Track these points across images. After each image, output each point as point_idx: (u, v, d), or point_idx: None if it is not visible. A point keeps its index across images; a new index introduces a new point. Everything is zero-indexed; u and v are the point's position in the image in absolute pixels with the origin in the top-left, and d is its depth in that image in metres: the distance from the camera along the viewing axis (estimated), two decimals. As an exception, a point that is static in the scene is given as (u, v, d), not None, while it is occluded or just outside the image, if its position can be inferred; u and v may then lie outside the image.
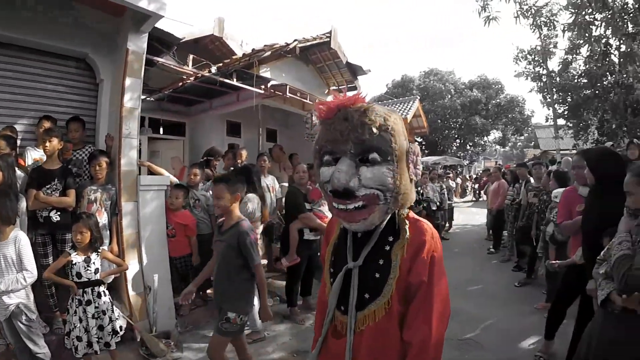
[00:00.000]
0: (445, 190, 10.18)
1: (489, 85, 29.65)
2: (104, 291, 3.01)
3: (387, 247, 1.30)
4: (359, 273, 1.32)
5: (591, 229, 2.68)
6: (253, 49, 7.33)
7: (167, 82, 6.26)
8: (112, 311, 3.01)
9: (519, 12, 6.13)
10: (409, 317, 1.26)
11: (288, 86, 6.39)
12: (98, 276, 2.97)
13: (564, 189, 3.96)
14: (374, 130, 1.23)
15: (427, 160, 16.57)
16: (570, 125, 15.12)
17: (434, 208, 8.39)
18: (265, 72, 7.56)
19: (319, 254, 4.74)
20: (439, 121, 27.83)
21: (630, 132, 13.04)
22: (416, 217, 1.36)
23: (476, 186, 18.60)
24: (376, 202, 1.25)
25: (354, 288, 1.31)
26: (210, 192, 4.12)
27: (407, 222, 1.32)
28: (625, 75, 11.04)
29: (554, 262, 3.33)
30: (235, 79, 6.14)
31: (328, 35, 8.89)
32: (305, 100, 7.14)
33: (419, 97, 20.09)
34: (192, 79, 5.97)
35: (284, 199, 4.96)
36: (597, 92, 12.88)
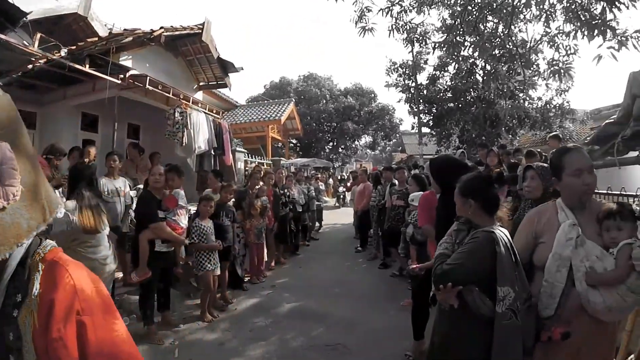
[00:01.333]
0: (313, 191, 10.45)
1: (363, 93, 31.68)
2: None
3: (15, 312, 0.82)
4: None
5: (441, 235, 2.92)
6: (110, 32, 6.61)
7: (16, 64, 5.26)
8: None
9: (394, 27, 6.53)
10: None
11: (149, 77, 5.94)
12: None
13: (421, 192, 4.11)
14: None
15: (297, 162, 16.96)
16: (434, 133, 16.85)
17: (300, 210, 8.58)
18: (126, 60, 6.93)
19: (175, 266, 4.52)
20: (314, 124, 28.76)
21: (489, 141, 15.11)
22: (62, 257, 0.89)
23: (341, 189, 19.63)
24: None
25: None
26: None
27: (39, 268, 0.85)
28: (487, 92, 12.65)
29: (414, 266, 3.39)
30: (87, 65, 5.51)
31: (200, 26, 8.52)
32: (168, 95, 6.71)
33: (294, 100, 20.54)
34: (42, 61, 5.13)
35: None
36: (460, 105, 14.56)
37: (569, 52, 6.14)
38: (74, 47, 5.42)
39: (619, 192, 3.22)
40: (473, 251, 1.88)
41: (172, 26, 7.32)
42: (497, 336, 1.79)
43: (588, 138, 3.30)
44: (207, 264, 4.61)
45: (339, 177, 31.42)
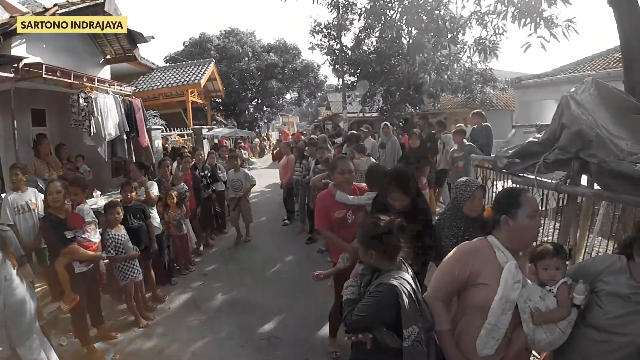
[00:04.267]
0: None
1: (287, 49, 30.91)
2: None
3: None
4: None
5: None
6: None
7: None
8: None
9: None
10: None
11: (44, 65, 5.45)
12: None
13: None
14: None
15: (218, 134, 16.50)
16: (358, 94, 17.08)
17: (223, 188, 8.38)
18: (19, 45, 6.20)
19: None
20: (237, 84, 27.86)
21: (412, 105, 15.58)
22: None
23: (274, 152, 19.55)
24: None
25: None
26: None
27: None
28: (411, 66, 12.76)
29: (317, 272, 3.31)
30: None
31: (101, -2, 7.79)
32: (69, 80, 6.20)
33: (214, 61, 19.65)
34: None
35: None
36: (385, 68, 14.68)
37: (497, 31, 6.36)
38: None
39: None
40: (377, 305, 2.06)
41: (67, 1, 6.64)
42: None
43: (510, 151, 3.40)
44: (130, 273, 4.53)
45: (269, 135, 31.17)
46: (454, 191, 3.07)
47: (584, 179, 2.94)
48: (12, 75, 5.08)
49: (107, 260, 4.42)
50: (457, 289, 2.09)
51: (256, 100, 31.40)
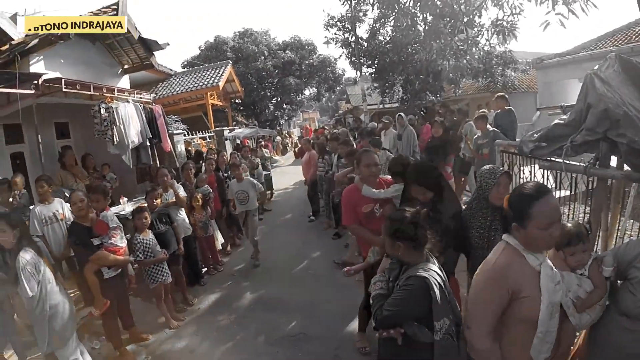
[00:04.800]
0: (259, 164, 10.27)
1: (302, 46, 30.85)
2: None
3: None
4: None
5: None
6: (11, 44, 6.00)
7: None
8: None
9: None
10: None
11: (64, 80, 5.57)
12: None
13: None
14: None
15: (239, 134, 16.61)
16: (377, 85, 16.90)
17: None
18: (37, 62, 6.36)
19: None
20: (255, 83, 28.02)
21: (432, 93, 15.27)
22: None
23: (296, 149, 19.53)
24: None
25: None
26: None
27: None
28: (428, 52, 12.55)
29: (347, 268, 3.29)
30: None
31: (114, 7, 7.92)
32: (89, 92, 6.33)
33: (230, 63, 19.79)
34: None
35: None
36: (402, 57, 14.40)
37: (514, 11, 6.13)
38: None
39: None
40: (408, 298, 2.03)
41: (79, 16, 6.77)
42: (437, 354, 2.00)
43: (535, 135, 3.23)
44: (159, 276, 4.63)
45: (291, 132, 31.29)
46: (479, 179, 2.98)
47: (614, 160, 2.79)
48: (32, 91, 5.20)
49: (137, 265, 4.51)
50: (501, 312, 1.85)
51: (275, 98, 31.49)
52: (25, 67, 5.93)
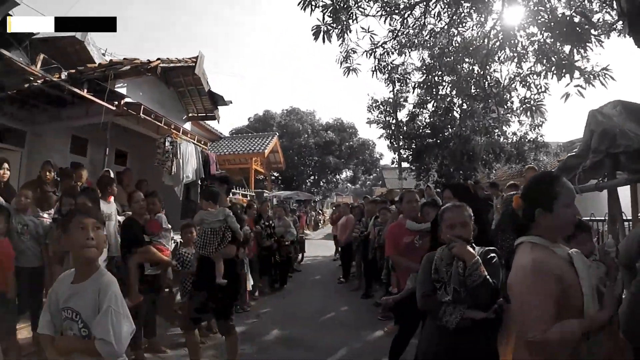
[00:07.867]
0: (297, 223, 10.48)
1: (344, 128, 32.47)
2: None
3: None
4: None
5: None
6: (111, 60, 6.82)
7: (11, 80, 5.17)
8: None
9: (377, 67, 6.90)
10: None
11: (143, 106, 6.10)
12: None
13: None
14: None
15: (280, 195, 17.05)
16: (413, 168, 17.26)
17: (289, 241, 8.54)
18: (121, 87, 7.08)
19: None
20: (296, 158, 29.13)
21: (465, 175, 15.49)
22: None
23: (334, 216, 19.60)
24: None
25: None
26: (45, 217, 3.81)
27: None
28: (464, 129, 13.12)
29: (384, 297, 3.56)
30: (86, 90, 5.65)
31: (194, 60, 8.81)
32: (160, 124, 6.85)
33: (277, 134, 20.88)
34: (39, 81, 5.20)
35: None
36: (438, 141, 15.00)
37: (540, 90, 6.56)
38: (74, 71, 5.57)
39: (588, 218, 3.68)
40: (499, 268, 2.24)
41: (167, 58, 7.59)
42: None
43: (554, 170, 3.73)
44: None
45: (324, 211, 31.59)
46: None
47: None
48: (114, 108, 5.73)
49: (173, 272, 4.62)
50: (557, 302, 1.68)
51: (314, 176, 32.40)
52: (112, 88, 6.56)
